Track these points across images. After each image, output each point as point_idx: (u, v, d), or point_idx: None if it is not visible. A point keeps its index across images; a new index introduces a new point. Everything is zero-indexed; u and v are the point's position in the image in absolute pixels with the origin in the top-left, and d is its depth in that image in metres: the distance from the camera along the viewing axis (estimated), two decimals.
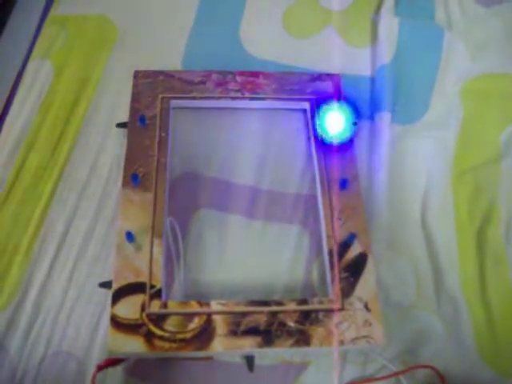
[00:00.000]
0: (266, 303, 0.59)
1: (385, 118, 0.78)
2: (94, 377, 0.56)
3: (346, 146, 0.72)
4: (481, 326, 0.65)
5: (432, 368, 0.61)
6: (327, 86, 0.78)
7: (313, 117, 0.74)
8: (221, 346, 0.56)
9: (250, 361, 0.59)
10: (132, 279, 0.59)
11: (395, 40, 0.86)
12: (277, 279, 0.66)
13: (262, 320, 0.58)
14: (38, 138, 0.76)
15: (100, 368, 0.56)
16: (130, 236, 0.61)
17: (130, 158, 0.68)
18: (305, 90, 0.77)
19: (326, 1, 0.93)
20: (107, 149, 0.75)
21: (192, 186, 0.72)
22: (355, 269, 0.62)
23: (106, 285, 0.61)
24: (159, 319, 0.57)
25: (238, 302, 0.59)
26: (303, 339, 0.57)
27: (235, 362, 0.61)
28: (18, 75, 0.85)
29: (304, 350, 0.58)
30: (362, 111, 0.80)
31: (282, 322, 0.58)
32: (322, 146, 0.72)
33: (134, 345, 0.55)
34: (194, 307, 0.58)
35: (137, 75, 0.76)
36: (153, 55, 0.84)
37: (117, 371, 0.59)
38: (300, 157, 0.75)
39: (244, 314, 0.58)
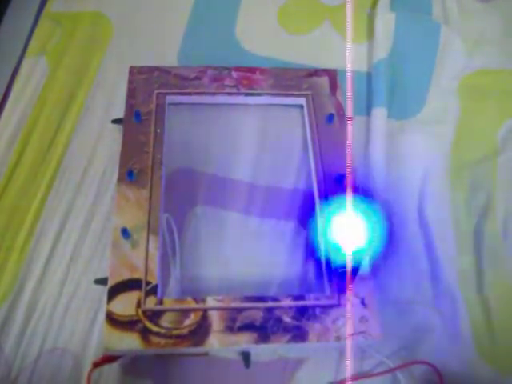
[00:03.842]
0: (262, 299, 0.59)
1: (381, 113, 0.78)
2: (89, 374, 0.56)
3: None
4: (478, 322, 0.65)
5: (428, 364, 0.61)
6: (324, 82, 0.77)
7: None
8: (217, 342, 0.56)
9: (246, 357, 0.58)
10: (128, 276, 0.59)
11: (392, 35, 0.86)
12: (273, 275, 0.66)
13: (258, 316, 0.58)
14: (34, 134, 0.75)
15: (96, 365, 0.56)
16: (125, 232, 0.60)
17: (126, 154, 0.67)
18: (301, 86, 0.77)
19: None
20: (102, 145, 0.75)
21: (188, 183, 0.71)
22: (352, 264, 0.62)
23: (101, 281, 0.61)
24: (155, 316, 0.57)
25: (233, 298, 0.59)
26: (299, 335, 0.57)
27: (231, 358, 0.61)
28: (13, 72, 0.84)
29: (300, 345, 0.58)
30: (358, 106, 0.79)
31: (279, 317, 0.58)
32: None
33: (129, 341, 0.55)
34: (190, 303, 0.58)
35: (132, 71, 0.75)
36: (148, 51, 0.84)
37: (113, 368, 0.59)
38: (296, 152, 0.75)
39: (240, 310, 0.58)
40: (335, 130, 0.73)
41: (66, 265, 0.66)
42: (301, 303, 0.59)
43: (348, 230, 0.60)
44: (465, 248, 0.70)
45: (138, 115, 0.70)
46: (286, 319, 0.58)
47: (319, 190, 0.68)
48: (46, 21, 0.88)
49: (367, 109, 0.80)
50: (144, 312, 0.57)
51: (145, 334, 0.55)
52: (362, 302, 0.59)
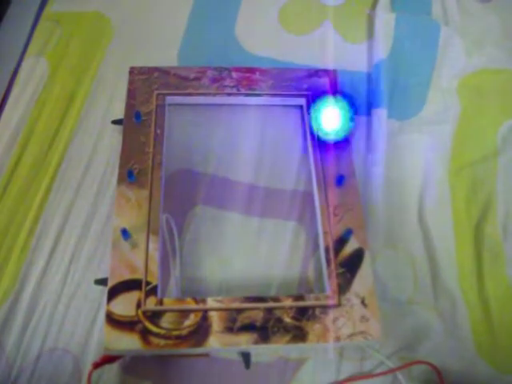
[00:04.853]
0: (262, 299, 0.59)
1: (381, 113, 0.78)
2: (90, 374, 0.56)
3: (343, 143, 0.71)
4: (478, 322, 0.65)
5: (429, 364, 0.61)
6: (324, 82, 0.77)
7: (309, 112, 0.74)
8: (217, 342, 0.56)
9: (246, 357, 0.58)
10: (128, 276, 0.59)
11: (392, 35, 0.86)
12: (273, 275, 0.66)
13: (258, 316, 0.58)
14: (34, 134, 0.75)
15: (96, 365, 0.56)
16: (125, 233, 0.60)
17: (126, 155, 0.67)
18: (301, 86, 0.77)
19: None
20: (103, 146, 0.75)
21: (188, 183, 0.71)
22: (352, 264, 0.62)
23: (101, 282, 0.61)
24: (155, 316, 0.57)
25: (234, 299, 0.59)
26: (300, 335, 0.57)
27: (232, 358, 0.61)
28: (13, 72, 0.84)
29: (301, 346, 0.58)
30: (359, 106, 0.80)
31: (279, 318, 0.58)
32: (318, 142, 0.71)
33: (129, 342, 0.55)
34: (190, 304, 0.58)
35: (132, 72, 0.75)
36: (148, 52, 0.84)
37: (113, 368, 0.59)
38: (296, 153, 0.75)
39: (240, 311, 0.58)
40: None
41: (66, 265, 0.66)
42: (301, 303, 0.59)
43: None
44: (465, 248, 0.70)
45: (138, 116, 0.70)
46: (286, 319, 0.58)
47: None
48: (46, 21, 0.88)
49: (367, 109, 0.80)
50: (144, 312, 0.57)
51: (145, 334, 0.56)
52: (362, 302, 0.59)
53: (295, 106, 0.78)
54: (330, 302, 0.59)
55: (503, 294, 0.67)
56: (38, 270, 0.65)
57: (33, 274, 0.65)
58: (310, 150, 0.72)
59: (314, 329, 0.57)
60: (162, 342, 0.55)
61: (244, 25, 0.89)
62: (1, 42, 0.89)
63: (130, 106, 0.72)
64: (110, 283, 0.58)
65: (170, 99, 0.74)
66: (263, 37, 0.88)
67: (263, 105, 0.78)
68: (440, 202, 0.73)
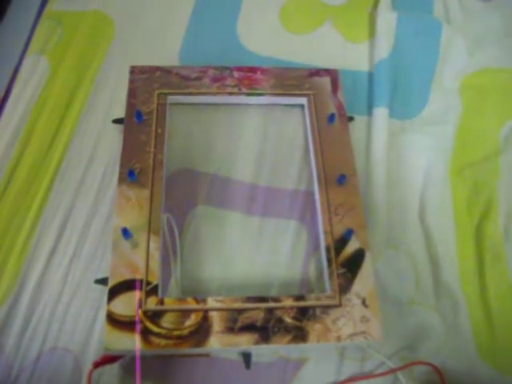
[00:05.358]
0: (263, 299, 0.59)
1: (383, 113, 0.78)
2: (90, 374, 0.56)
3: None
4: (479, 322, 0.65)
5: (429, 364, 0.61)
6: (325, 82, 0.77)
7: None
8: (218, 342, 0.56)
9: (247, 358, 0.58)
10: (128, 276, 0.59)
11: (393, 35, 0.86)
12: (274, 275, 0.65)
13: (259, 316, 0.57)
14: (34, 134, 0.75)
15: (96, 365, 0.56)
16: (126, 232, 0.60)
17: (127, 154, 0.67)
18: (303, 86, 0.76)
19: None
20: (103, 145, 0.75)
21: (189, 183, 0.71)
22: (353, 264, 0.62)
23: (101, 281, 0.61)
24: (156, 316, 0.57)
25: (234, 299, 0.58)
26: (300, 335, 0.57)
27: (232, 358, 0.61)
28: (14, 71, 0.84)
29: (301, 346, 0.57)
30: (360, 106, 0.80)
31: (279, 318, 0.58)
32: None
33: (130, 342, 0.55)
34: (191, 304, 0.58)
35: (133, 71, 0.75)
36: (150, 51, 0.84)
37: (113, 368, 0.59)
38: (297, 152, 0.75)
39: (241, 311, 0.58)
40: (336, 130, 0.72)
41: (66, 264, 0.66)
42: (302, 303, 0.59)
43: None
44: (466, 248, 0.70)
45: (139, 115, 0.70)
46: (287, 320, 0.57)
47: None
48: (46, 20, 0.88)
49: (369, 109, 0.80)
50: (144, 312, 0.57)
51: (145, 334, 0.55)
52: (363, 303, 0.59)
53: (296, 106, 0.78)
54: (331, 302, 0.59)
55: (504, 295, 0.67)
56: (39, 269, 0.65)
57: (33, 274, 0.65)
58: (311, 149, 0.72)
59: (314, 329, 0.57)
60: (163, 341, 0.55)
61: (245, 24, 0.89)
62: (1, 41, 0.89)
63: (130, 105, 0.72)
64: (111, 283, 0.58)
65: (171, 98, 0.74)
66: (264, 36, 0.87)
67: (264, 104, 0.78)
68: (441, 202, 0.73)
